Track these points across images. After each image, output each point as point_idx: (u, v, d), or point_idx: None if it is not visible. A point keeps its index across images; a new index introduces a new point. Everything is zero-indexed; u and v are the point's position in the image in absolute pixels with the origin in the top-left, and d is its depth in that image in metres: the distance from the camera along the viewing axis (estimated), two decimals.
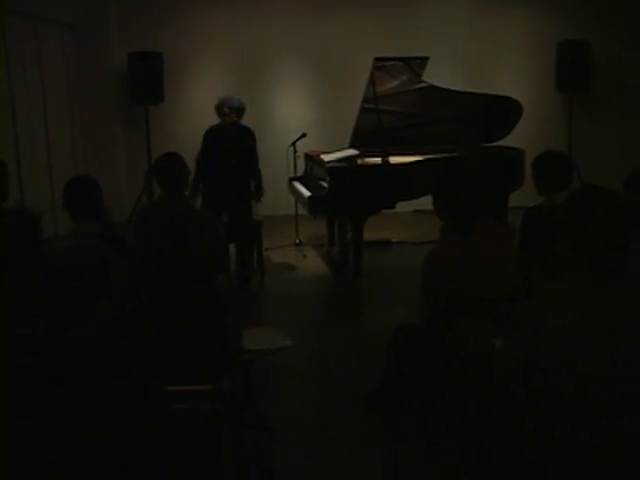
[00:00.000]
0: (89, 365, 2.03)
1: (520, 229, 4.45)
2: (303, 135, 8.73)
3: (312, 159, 8.42)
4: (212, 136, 7.29)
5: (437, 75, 8.55)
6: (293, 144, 8.71)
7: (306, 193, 7.72)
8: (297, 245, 8.86)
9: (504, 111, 8.44)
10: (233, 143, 7.19)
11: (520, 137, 8.61)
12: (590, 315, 2.33)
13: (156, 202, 5.36)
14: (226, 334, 3.57)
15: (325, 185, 7.52)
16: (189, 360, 3.17)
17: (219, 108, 7.39)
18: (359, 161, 7.96)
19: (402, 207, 7.97)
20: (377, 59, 7.62)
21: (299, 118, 10.42)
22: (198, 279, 3.65)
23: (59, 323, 2.04)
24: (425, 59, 8.08)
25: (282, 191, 9.04)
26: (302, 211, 8.26)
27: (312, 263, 8.31)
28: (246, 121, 7.45)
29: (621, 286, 2.39)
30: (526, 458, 2.45)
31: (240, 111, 7.37)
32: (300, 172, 8.76)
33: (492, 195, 7.64)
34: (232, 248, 7.26)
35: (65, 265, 2.04)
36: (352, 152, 8.06)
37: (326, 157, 7.86)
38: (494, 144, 8.59)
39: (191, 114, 10.52)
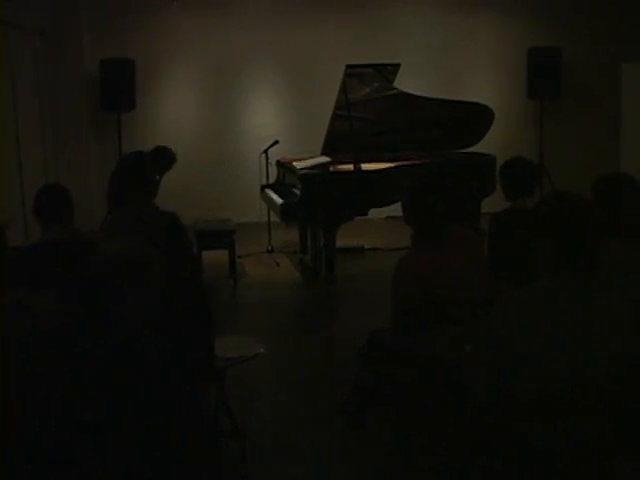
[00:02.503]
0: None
1: (489, 234, 4.48)
2: (275, 142, 8.74)
3: (284, 166, 8.42)
4: None
5: (409, 82, 8.59)
6: (265, 151, 8.71)
7: (279, 200, 7.70)
8: (270, 252, 8.84)
9: (475, 117, 8.48)
10: None
11: (491, 143, 8.65)
12: (561, 315, 2.36)
13: (124, 211, 5.16)
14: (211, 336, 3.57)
15: (297, 192, 7.51)
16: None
17: None
18: (331, 168, 7.97)
19: (375, 213, 7.98)
20: (349, 66, 7.62)
21: (271, 125, 10.42)
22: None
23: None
24: (397, 66, 8.11)
25: (254, 198, 9.04)
26: (275, 218, 8.24)
27: (285, 270, 8.29)
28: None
29: (593, 288, 2.43)
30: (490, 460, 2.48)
31: None
32: (272, 179, 8.75)
33: (464, 202, 7.67)
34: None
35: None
36: (324, 159, 8.07)
37: (298, 164, 7.85)
38: (466, 150, 8.64)
39: (163, 121, 10.50)
